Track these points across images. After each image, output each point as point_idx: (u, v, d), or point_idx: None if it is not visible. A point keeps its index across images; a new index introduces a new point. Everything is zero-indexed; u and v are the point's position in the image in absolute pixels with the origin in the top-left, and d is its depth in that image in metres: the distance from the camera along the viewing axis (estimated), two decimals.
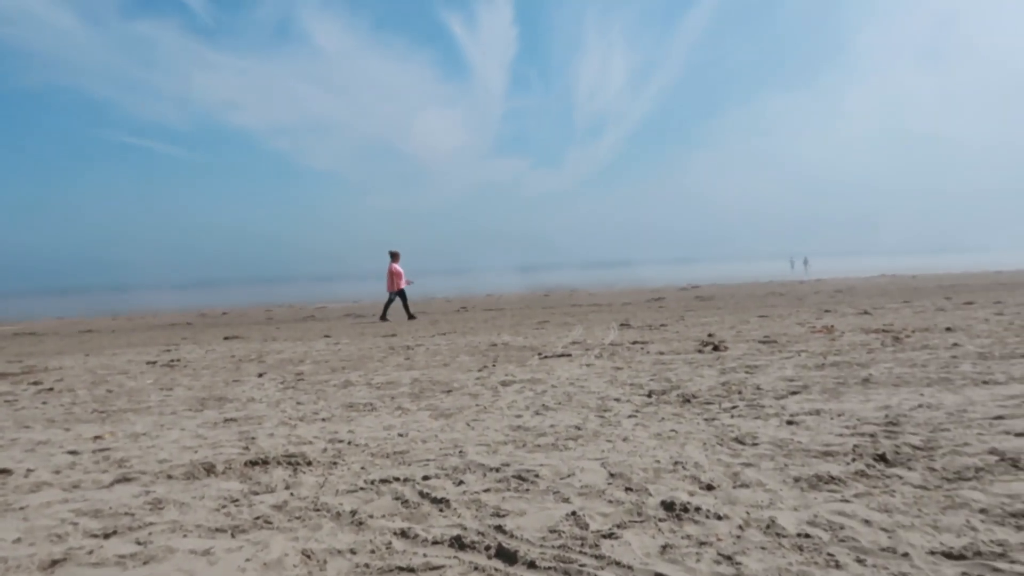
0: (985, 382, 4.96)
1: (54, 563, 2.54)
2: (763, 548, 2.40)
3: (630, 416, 4.51)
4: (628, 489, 3.06)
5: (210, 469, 3.66)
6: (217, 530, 2.80)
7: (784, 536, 2.48)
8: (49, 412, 5.61)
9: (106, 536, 2.78)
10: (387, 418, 4.84)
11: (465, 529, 2.69)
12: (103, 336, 15.41)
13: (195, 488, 3.37)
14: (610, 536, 2.55)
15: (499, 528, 2.67)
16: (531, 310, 17.53)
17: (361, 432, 4.43)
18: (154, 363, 8.89)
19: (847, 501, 2.80)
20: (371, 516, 2.88)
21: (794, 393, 4.95)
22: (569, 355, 7.76)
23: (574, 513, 2.78)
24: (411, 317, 15.85)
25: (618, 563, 2.33)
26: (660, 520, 2.69)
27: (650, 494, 2.98)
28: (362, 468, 3.60)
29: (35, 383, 7.35)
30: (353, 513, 2.91)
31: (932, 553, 2.30)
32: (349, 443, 4.14)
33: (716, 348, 7.55)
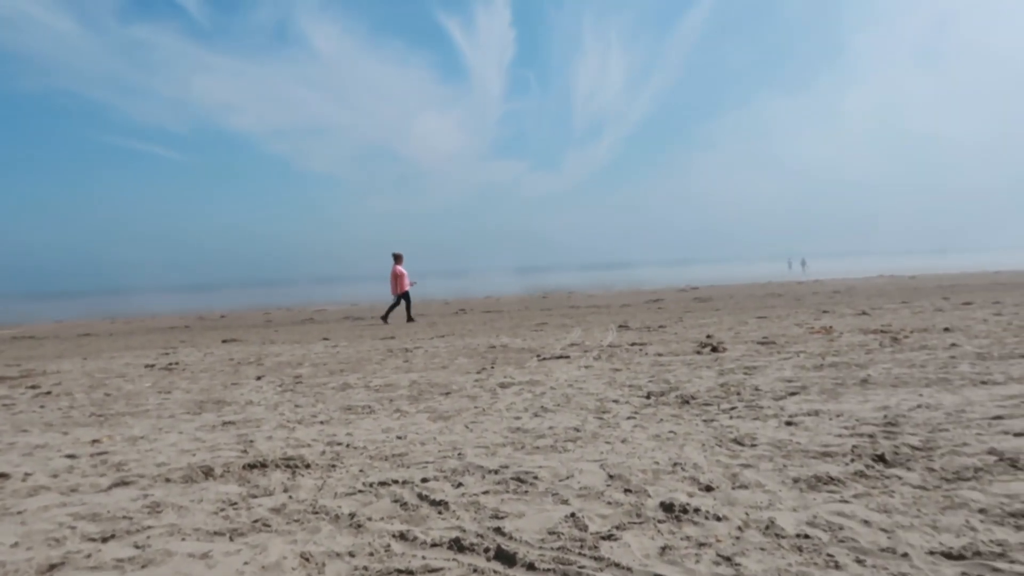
0: (984, 382, 4.96)
1: (52, 567, 2.53)
2: (762, 549, 2.40)
3: (629, 418, 4.51)
4: (627, 490, 3.06)
5: (208, 472, 3.65)
6: (215, 533, 2.79)
7: (783, 537, 2.48)
8: (47, 416, 5.59)
9: (104, 540, 2.77)
10: (385, 420, 4.83)
11: (464, 531, 2.68)
12: (101, 339, 15.38)
13: (193, 491, 3.37)
14: (609, 537, 2.55)
15: (498, 530, 2.67)
16: (529, 312, 17.53)
17: (359, 435, 4.42)
18: (152, 366, 8.87)
19: (846, 502, 2.80)
20: (370, 519, 2.87)
21: (793, 394, 4.95)
22: (568, 357, 7.76)
23: (573, 515, 2.78)
24: (410, 319, 15.84)
25: (617, 564, 2.32)
26: (659, 521, 2.69)
27: (649, 495, 2.98)
28: (360, 471, 3.59)
29: (33, 387, 7.33)
30: (352, 516, 2.91)
31: (931, 553, 2.30)
32: (347, 446, 4.13)
33: (715, 349, 7.55)
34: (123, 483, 3.55)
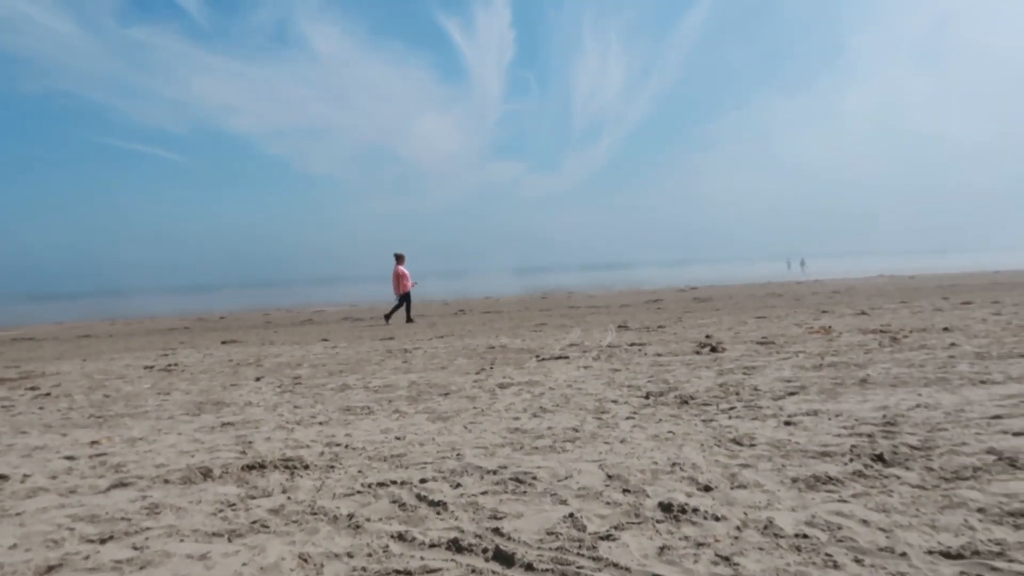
0: (983, 382, 4.96)
1: (50, 569, 2.53)
2: (761, 549, 2.40)
3: (628, 418, 4.51)
4: (626, 491, 3.06)
5: (207, 473, 3.65)
6: (214, 534, 2.79)
7: (782, 537, 2.48)
8: (46, 417, 5.59)
9: (102, 541, 2.77)
10: (384, 421, 4.83)
11: (462, 532, 2.68)
12: (101, 341, 15.38)
13: (192, 492, 3.36)
14: (608, 538, 2.55)
15: (496, 530, 2.67)
16: (529, 312, 17.53)
17: (358, 435, 4.42)
18: (151, 368, 8.87)
19: (845, 501, 2.80)
20: (368, 519, 2.87)
21: (792, 394, 4.95)
22: (567, 357, 7.76)
23: (572, 515, 2.78)
24: (409, 320, 15.84)
25: (616, 565, 2.32)
26: (658, 521, 2.69)
27: (648, 495, 2.98)
28: (359, 471, 3.59)
29: (32, 388, 7.33)
30: (350, 516, 2.90)
31: (930, 553, 2.30)
32: (346, 447, 4.13)
33: (714, 349, 7.55)
34: (122, 484, 3.55)
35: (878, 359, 6.26)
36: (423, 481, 3.35)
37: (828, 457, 3.39)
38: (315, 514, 2.97)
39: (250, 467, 3.72)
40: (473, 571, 2.35)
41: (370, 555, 2.51)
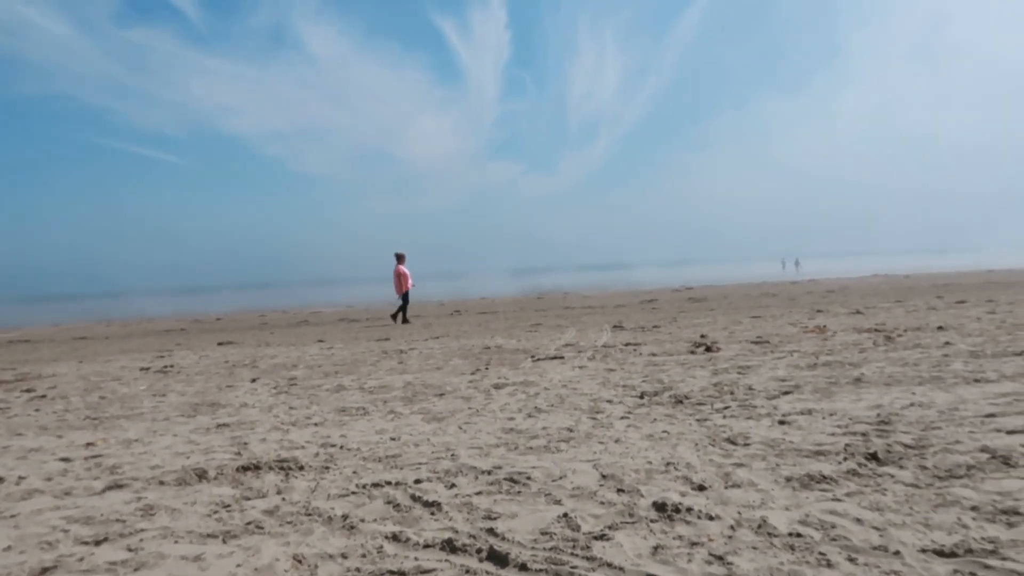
0: (977, 380, 4.98)
1: (44, 570, 2.52)
2: (754, 548, 2.41)
3: (622, 418, 4.51)
4: (620, 490, 3.06)
5: (202, 475, 3.64)
6: (208, 536, 2.79)
7: (775, 536, 2.49)
8: (42, 419, 5.58)
9: (97, 543, 2.76)
10: (379, 422, 4.83)
11: (456, 532, 2.68)
12: (97, 343, 15.33)
13: (187, 494, 3.36)
14: (602, 537, 2.55)
15: (491, 531, 2.67)
16: (524, 313, 17.53)
17: (353, 436, 4.42)
18: (147, 369, 8.85)
19: (839, 500, 2.81)
20: (363, 520, 2.87)
21: (786, 393, 4.96)
22: (562, 357, 7.77)
23: (566, 515, 2.78)
24: (406, 321, 15.84)
25: (609, 564, 2.33)
26: (652, 521, 2.69)
27: (642, 495, 2.98)
28: (354, 472, 3.59)
29: (28, 390, 7.31)
30: (345, 517, 2.90)
31: (923, 551, 2.30)
32: (341, 447, 4.13)
33: (708, 349, 7.56)
34: (117, 486, 3.54)
35: (872, 358, 6.28)
36: (418, 482, 3.35)
37: (822, 456, 3.40)
38: (310, 515, 2.97)
39: (245, 468, 3.72)
40: (467, 571, 2.35)
41: (364, 556, 2.51)
